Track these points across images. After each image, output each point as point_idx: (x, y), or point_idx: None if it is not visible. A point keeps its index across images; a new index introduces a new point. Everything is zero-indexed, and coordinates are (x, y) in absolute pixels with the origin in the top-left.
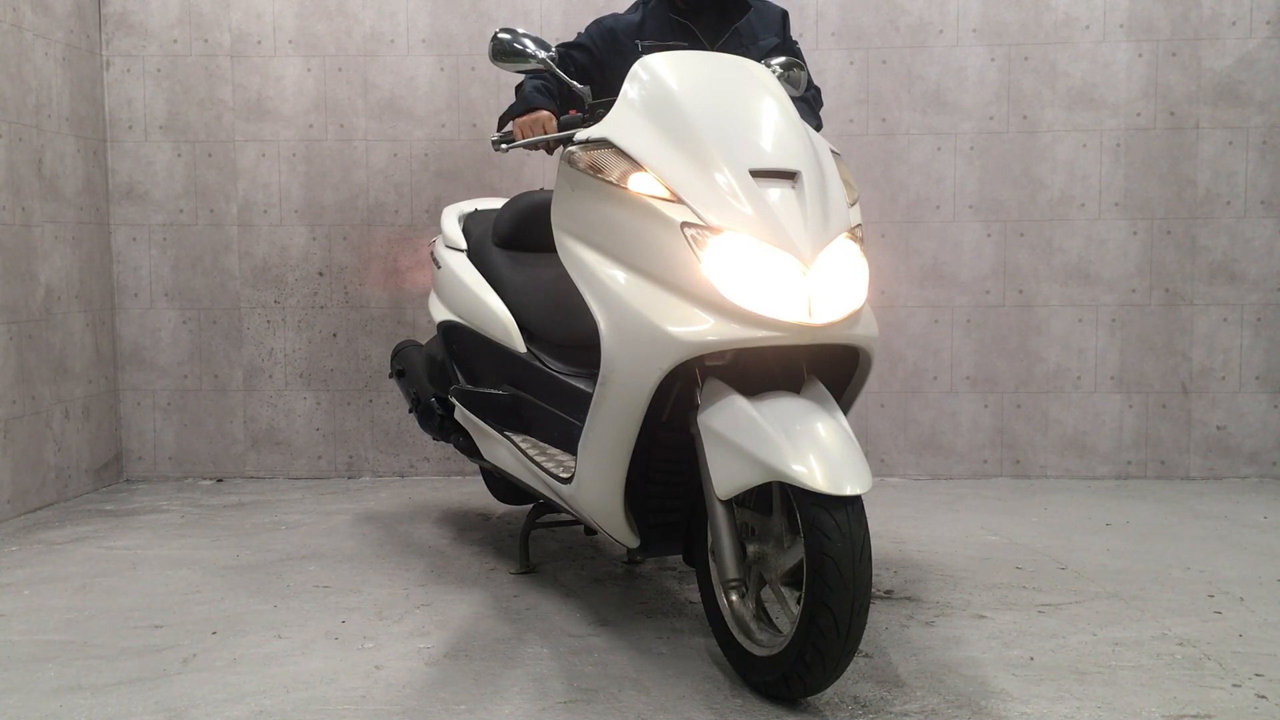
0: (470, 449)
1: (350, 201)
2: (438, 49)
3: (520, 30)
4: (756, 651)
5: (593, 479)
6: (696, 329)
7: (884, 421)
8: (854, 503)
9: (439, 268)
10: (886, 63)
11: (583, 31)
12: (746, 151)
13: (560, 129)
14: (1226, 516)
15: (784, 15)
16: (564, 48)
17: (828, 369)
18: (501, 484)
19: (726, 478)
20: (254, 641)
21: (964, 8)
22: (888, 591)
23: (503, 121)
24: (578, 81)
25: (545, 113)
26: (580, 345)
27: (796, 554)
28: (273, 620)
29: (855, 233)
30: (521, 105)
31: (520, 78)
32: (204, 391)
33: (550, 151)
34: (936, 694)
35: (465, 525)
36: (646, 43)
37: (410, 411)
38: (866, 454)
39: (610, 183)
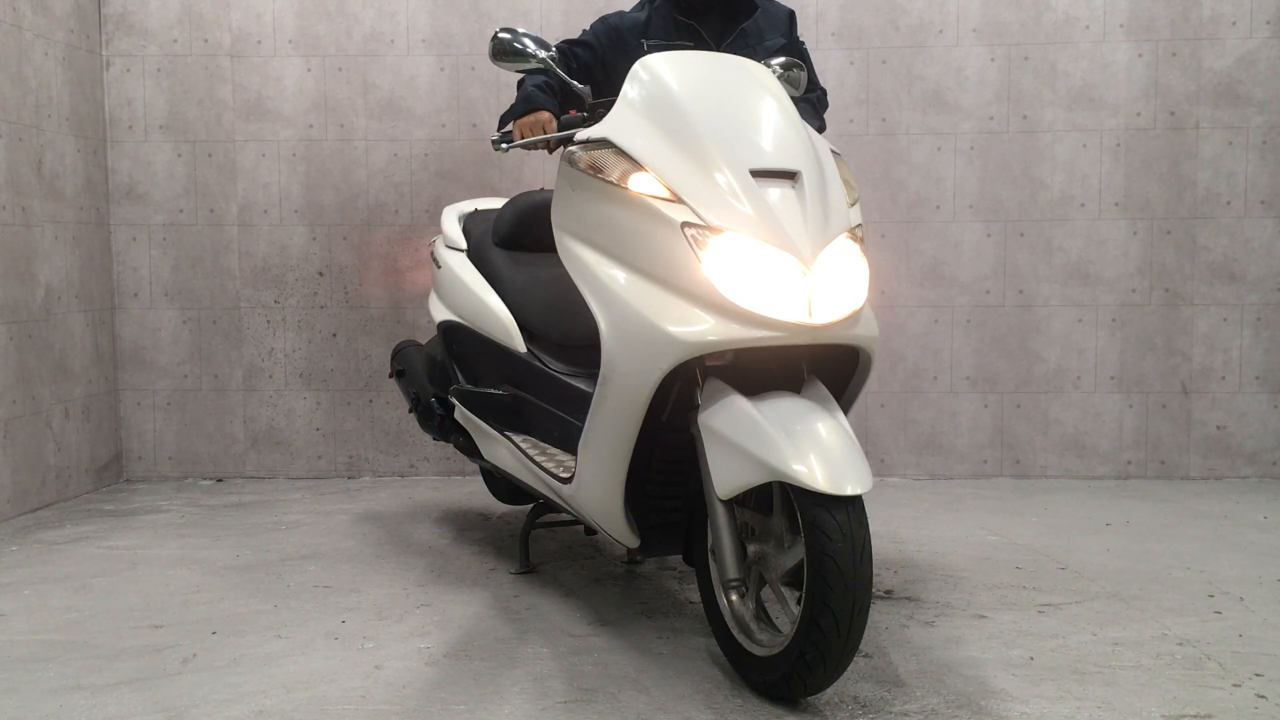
0: (470, 449)
1: (350, 201)
2: (438, 49)
3: (520, 30)
4: (757, 651)
5: (593, 479)
6: (697, 329)
7: (884, 421)
8: (854, 503)
9: (439, 268)
10: (886, 63)
11: (587, 29)
12: (747, 151)
13: (560, 129)
14: (1226, 516)
15: (791, 15)
16: (567, 44)
17: (828, 369)
18: (501, 484)
19: (727, 478)
20: (254, 641)
21: (964, 8)
22: (888, 591)
23: (503, 121)
24: (579, 80)
25: (545, 113)
26: (580, 345)
27: (797, 554)
28: (273, 620)
29: (855, 233)
30: (522, 105)
31: (520, 76)
32: (204, 391)
33: (551, 151)
34: (936, 694)
35: (465, 525)
36: (651, 42)
37: (410, 411)
38: (866, 454)
39: (610, 183)
